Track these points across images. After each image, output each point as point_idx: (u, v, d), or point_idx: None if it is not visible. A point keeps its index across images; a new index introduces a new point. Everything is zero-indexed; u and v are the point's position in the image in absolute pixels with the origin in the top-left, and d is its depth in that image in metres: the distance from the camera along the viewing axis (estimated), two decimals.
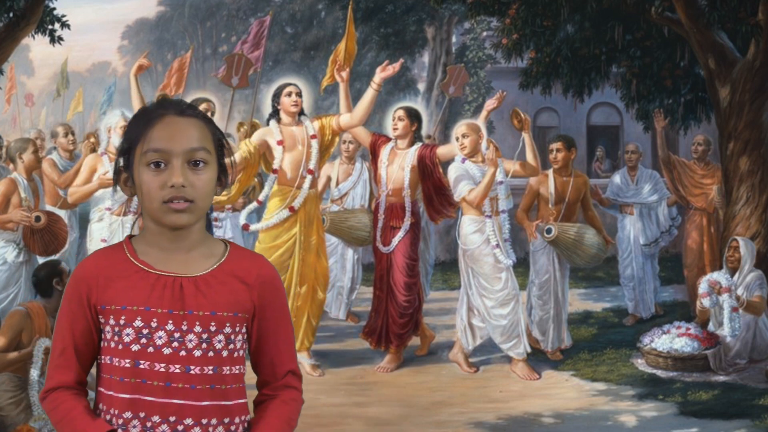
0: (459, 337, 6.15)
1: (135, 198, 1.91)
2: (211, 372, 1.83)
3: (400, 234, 6.12)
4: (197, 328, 1.83)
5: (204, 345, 1.83)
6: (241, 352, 1.90)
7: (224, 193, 6.35)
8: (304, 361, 5.98)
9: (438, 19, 11.45)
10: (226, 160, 1.94)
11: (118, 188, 1.94)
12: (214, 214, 6.38)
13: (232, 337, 1.87)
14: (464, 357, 6.12)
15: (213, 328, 1.84)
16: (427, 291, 7.22)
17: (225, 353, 1.85)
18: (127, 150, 1.89)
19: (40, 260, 5.75)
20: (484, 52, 11.40)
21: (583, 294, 8.51)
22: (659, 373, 5.99)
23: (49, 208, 6.60)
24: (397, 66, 5.88)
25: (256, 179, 6.36)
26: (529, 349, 6.03)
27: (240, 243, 7.10)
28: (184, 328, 1.83)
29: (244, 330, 1.90)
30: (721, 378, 5.84)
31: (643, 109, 8.26)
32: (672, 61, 7.90)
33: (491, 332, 6.02)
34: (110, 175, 6.20)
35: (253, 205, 6.19)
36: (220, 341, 1.85)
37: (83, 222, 6.88)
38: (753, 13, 6.76)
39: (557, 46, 8.11)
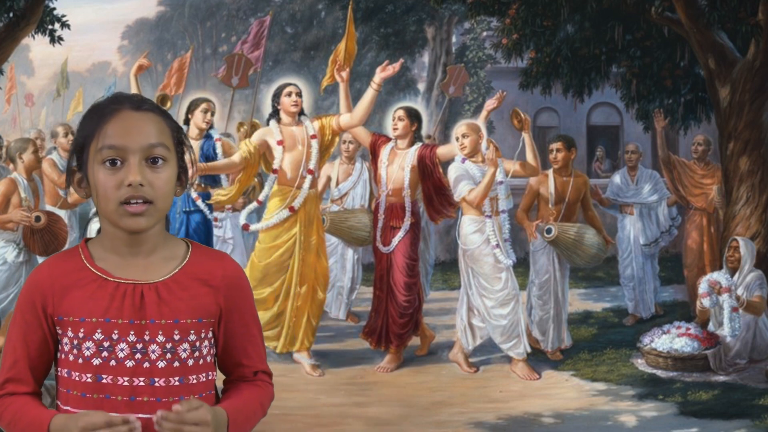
0: (459, 337, 6.15)
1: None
2: (177, 383, 1.74)
3: (400, 234, 6.12)
4: (160, 338, 1.73)
5: (168, 355, 1.73)
6: (208, 359, 1.81)
7: (224, 193, 6.35)
8: (304, 361, 5.98)
9: (438, 19, 11.44)
10: (186, 158, 1.83)
11: (71, 189, 1.86)
12: (215, 214, 6.37)
13: (198, 344, 1.77)
14: (464, 357, 6.11)
15: (177, 337, 1.74)
16: (427, 291, 7.22)
17: (191, 362, 1.76)
18: (80, 148, 1.76)
19: (40, 260, 5.75)
20: (484, 52, 11.40)
21: (583, 294, 8.50)
22: (659, 373, 5.99)
23: (49, 208, 6.60)
24: (397, 66, 5.88)
25: (256, 179, 6.36)
26: (529, 349, 6.03)
27: (240, 243, 7.13)
28: (147, 338, 1.72)
29: (210, 335, 1.81)
30: (721, 378, 5.84)
31: (643, 109, 8.26)
32: (672, 61, 7.90)
33: (491, 332, 6.02)
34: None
35: (253, 205, 6.19)
36: (185, 350, 1.75)
37: (83, 222, 6.88)
38: (753, 13, 6.76)
39: (557, 46, 8.10)
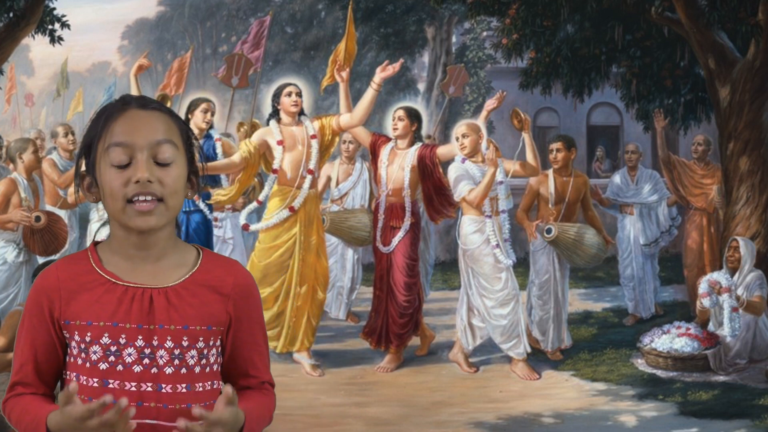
0: (459, 337, 6.15)
1: None
2: (184, 390, 1.71)
3: (400, 234, 6.12)
4: (168, 344, 1.70)
5: (176, 361, 1.70)
6: (215, 367, 1.78)
7: (224, 193, 6.35)
8: (304, 361, 5.98)
9: (438, 19, 11.44)
10: (197, 161, 1.80)
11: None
12: (215, 214, 6.38)
13: (206, 351, 1.74)
14: (464, 357, 6.11)
15: (185, 344, 1.72)
16: (427, 291, 7.22)
17: (198, 369, 1.73)
18: (87, 150, 1.74)
19: (40, 260, 5.75)
20: (484, 52, 11.40)
21: (583, 294, 8.50)
22: (659, 373, 5.99)
23: (49, 208, 6.60)
24: (397, 66, 5.87)
25: (256, 179, 6.36)
26: (529, 349, 6.03)
27: (240, 243, 7.12)
28: (155, 343, 1.69)
29: (218, 343, 1.78)
30: (721, 378, 5.84)
31: (643, 109, 8.26)
32: (672, 61, 7.90)
33: (491, 332, 6.02)
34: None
35: (253, 205, 6.19)
36: (192, 357, 1.72)
37: (83, 222, 6.88)
38: (753, 13, 6.76)
39: (557, 46, 8.10)
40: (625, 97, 8.42)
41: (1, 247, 5.93)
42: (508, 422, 5.18)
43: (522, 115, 6.06)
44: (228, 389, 1.65)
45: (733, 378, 5.84)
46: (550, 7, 7.68)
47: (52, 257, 5.75)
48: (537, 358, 6.23)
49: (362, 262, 7.55)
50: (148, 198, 1.67)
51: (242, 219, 6.15)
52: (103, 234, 1.80)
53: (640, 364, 6.18)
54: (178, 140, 1.74)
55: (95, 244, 1.80)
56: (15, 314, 4.74)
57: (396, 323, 6.13)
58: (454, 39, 11.82)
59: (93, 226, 6.31)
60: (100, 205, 6.73)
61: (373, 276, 6.31)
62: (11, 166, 6.10)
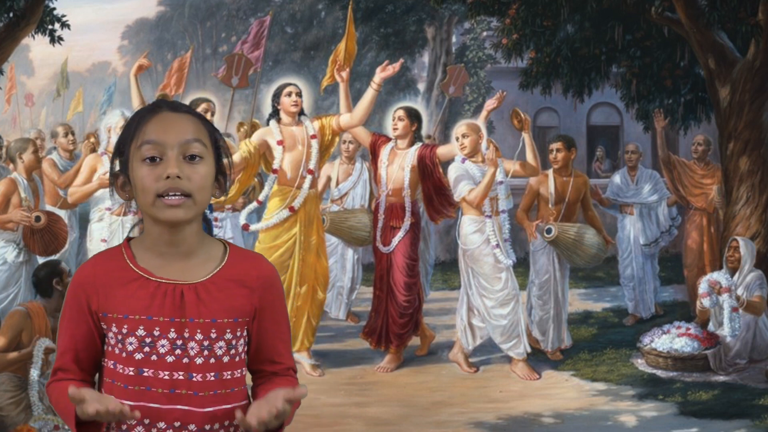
0: (459, 337, 6.15)
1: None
2: (212, 378, 1.84)
3: (400, 234, 6.12)
4: (198, 336, 1.83)
5: (206, 352, 1.84)
6: (243, 356, 1.90)
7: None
8: (304, 361, 5.98)
9: (438, 19, 11.44)
10: (225, 161, 1.92)
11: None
12: (215, 214, 6.38)
13: (233, 342, 1.87)
14: (464, 357, 6.11)
15: (214, 335, 1.85)
16: (427, 291, 7.22)
17: (226, 359, 1.86)
18: (121, 151, 1.87)
19: (40, 260, 5.75)
20: (484, 52, 11.40)
21: (583, 294, 8.51)
22: (659, 373, 5.99)
23: (49, 208, 6.60)
24: (397, 66, 5.87)
25: (256, 179, 6.36)
26: (529, 349, 6.03)
27: (240, 243, 7.11)
28: (186, 335, 1.83)
29: (245, 333, 1.90)
30: (721, 378, 5.84)
31: (643, 109, 8.27)
32: (672, 61, 7.90)
33: (491, 332, 6.02)
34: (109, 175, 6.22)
35: (253, 205, 6.19)
36: (221, 348, 1.85)
37: (83, 222, 6.88)
38: (753, 13, 6.76)
39: (557, 46, 8.11)
40: (625, 97, 8.42)
41: (1, 247, 5.93)
42: (508, 422, 5.18)
43: (522, 115, 6.06)
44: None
45: (733, 378, 5.84)
46: (550, 7, 7.69)
47: (52, 257, 5.75)
48: (537, 358, 6.23)
49: (362, 262, 7.55)
50: (177, 194, 1.80)
51: (242, 219, 6.14)
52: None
53: (640, 364, 6.18)
54: (207, 140, 1.86)
55: (128, 240, 1.92)
56: (15, 314, 4.74)
57: (396, 323, 6.13)
58: (454, 39, 11.83)
59: (93, 226, 6.31)
60: (100, 205, 6.71)
61: (373, 276, 6.31)
62: (11, 166, 6.10)
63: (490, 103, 6.16)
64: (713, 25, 6.80)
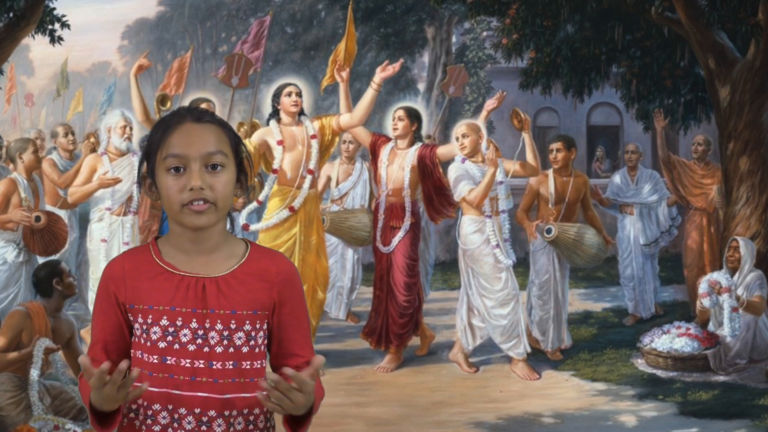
0: (459, 337, 6.15)
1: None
2: (231, 367, 1.93)
3: (400, 234, 6.12)
4: (218, 326, 1.93)
5: (225, 342, 1.93)
6: (262, 348, 1.99)
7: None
8: None
9: (438, 19, 11.45)
10: (245, 162, 2.03)
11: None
12: None
13: (253, 333, 1.96)
14: (464, 357, 6.12)
15: (233, 326, 1.94)
16: (427, 291, 7.23)
17: (245, 349, 1.95)
18: (148, 157, 1.98)
19: (40, 260, 5.75)
20: (484, 52, 11.40)
21: (583, 294, 8.51)
22: (659, 373, 5.99)
23: (49, 208, 6.59)
24: (397, 66, 5.87)
25: (256, 179, 6.36)
26: (529, 349, 6.03)
27: None
28: (207, 326, 1.93)
29: (265, 326, 1.99)
30: (721, 378, 5.84)
31: (643, 109, 8.27)
32: (672, 61, 7.90)
33: (491, 332, 6.02)
34: (110, 175, 6.23)
35: (253, 205, 6.18)
36: (240, 338, 1.94)
37: (83, 222, 6.88)
38: (753, 13, 6.76)
39: (557, 46, 8.11)
40: (625, 97, 8.42)
41: (1, 247, 5.93)
42: (508, 422, 5.18)
43: (522, 115, 6.06)
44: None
45: (733, 378, 5.84)
46: (550, 7, 7.69)
47: (52, 257, 5.75)
48: (537, 358, 6.23)
49: (362, 262, 7.55)
50: (201, 202, 1.92)
51: (242, 219, 6.14)
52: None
53: (640, 364, 6.18)
54: (228, 149, 1.98)
55: (156, 238, 2.04)
56: (15, 314, 4.74)
57: (396, 323, 6.13)
58: (454, 39, 11.83)
59: (93, 226, 6.31)
60: (100, 205, 6.72)
61: (373, 276, 6.31)
62: (11, 166, 6.10)
63: (490, 103, 6.16)
64: (713, 25, 6.80)
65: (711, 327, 6.19)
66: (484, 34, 11.32)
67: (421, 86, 11.62)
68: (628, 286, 7.57)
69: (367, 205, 7.07)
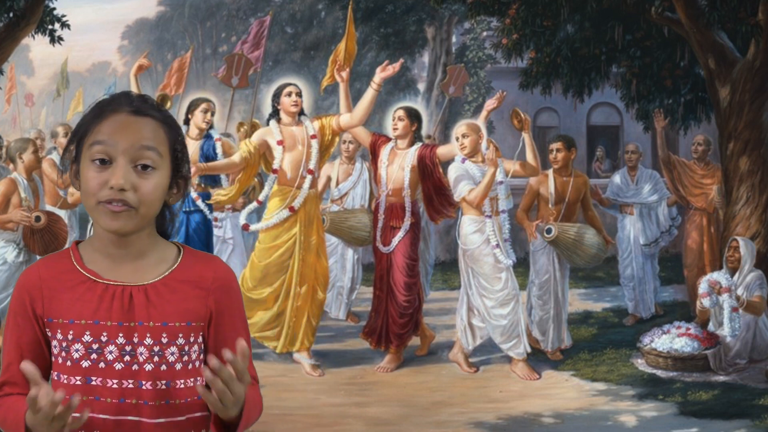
0: (459, 337, 6.15)
1: None
2: (163, 387, 1.72)
3: (400, 234, 6.12)
4: (148, 341, 1.71)
5: (156, 358, 1.71)
6: (197, 364, 1.77)
7: (224, 193, 6.35)
8: (304, 361, 5.99)
9: (438, 19, 11.44)
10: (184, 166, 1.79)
11: (71, 189, 1.81)
12: (215, 214, 6.38)
13: (186, 348, 1.74)
14: (464, 357, 6.11)
15: (165, 340, 1.72)
16: (427, 291, 7.22)
17: (179, 366, 1.73)
18: (76, 141, 1.74)
19: None
20: (484, 52, 11.40)
21: (583, 294, 8.50)
22: (659, 373, 5.99)
23: (49, 208, 6.60)
24: (397, 66, 5.88)
25: (256, 179, 6.36)
26: (529, 349, 6.03)
27: (240, 243, 7.13)
28: (135, 340, 1.70)
29: (200, 340, 1.78)
30: (721, 378, 5.84)
31: (643, 109, 8.26)
32: (672, 61, 7.90)
33: (491, 332, 6.02)
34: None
35: (253, 205, 6.19)
36: (173, 354, 1.73)
37: (83, 222, 6.88)
38: (753, 13, 6.76)
39: (557, 46, 8.10)
40: (625, 97, 8.42)
41: (1, 247, 5.93)
42: (508, 422, 5.18)
43: (522, 115, 6.07)
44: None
45: (733, 378, 5.84)
46: (550, 7, 7.68)
47: None
48: (537, 358, 6.23)
49: (362, 262, 7.55)
50: (120, 203, 1.68)
51: (242, 219, 6.15)
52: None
53: (640, 364, 6.18)
54: (164, 148, 1.73)
55: (77, 243, 1.80)
56: None
57: (396, 323, 6.13)
58: (454, 39, 11.82)
59: (93, 226, 6.32)
60: None
61: (373, 276, 6.31)
62: (11, 166, 6.10)
63: (490, 103, 6.16)
64: (713, 25, 6.80)
65: (711, 327, 6.19)
66: (484, 34, 11.32)
67: (421, 86, 11.62)
68: (628, 286, 7.57)
69: (367, 205, 7.07)
